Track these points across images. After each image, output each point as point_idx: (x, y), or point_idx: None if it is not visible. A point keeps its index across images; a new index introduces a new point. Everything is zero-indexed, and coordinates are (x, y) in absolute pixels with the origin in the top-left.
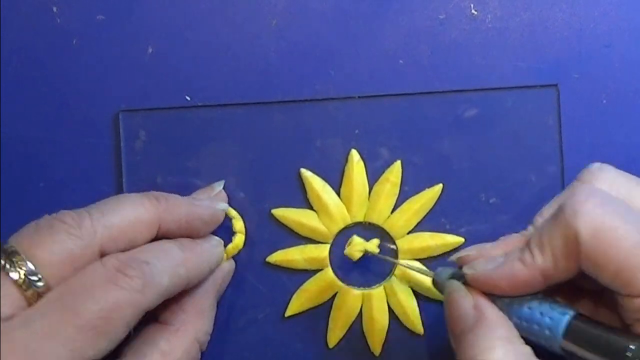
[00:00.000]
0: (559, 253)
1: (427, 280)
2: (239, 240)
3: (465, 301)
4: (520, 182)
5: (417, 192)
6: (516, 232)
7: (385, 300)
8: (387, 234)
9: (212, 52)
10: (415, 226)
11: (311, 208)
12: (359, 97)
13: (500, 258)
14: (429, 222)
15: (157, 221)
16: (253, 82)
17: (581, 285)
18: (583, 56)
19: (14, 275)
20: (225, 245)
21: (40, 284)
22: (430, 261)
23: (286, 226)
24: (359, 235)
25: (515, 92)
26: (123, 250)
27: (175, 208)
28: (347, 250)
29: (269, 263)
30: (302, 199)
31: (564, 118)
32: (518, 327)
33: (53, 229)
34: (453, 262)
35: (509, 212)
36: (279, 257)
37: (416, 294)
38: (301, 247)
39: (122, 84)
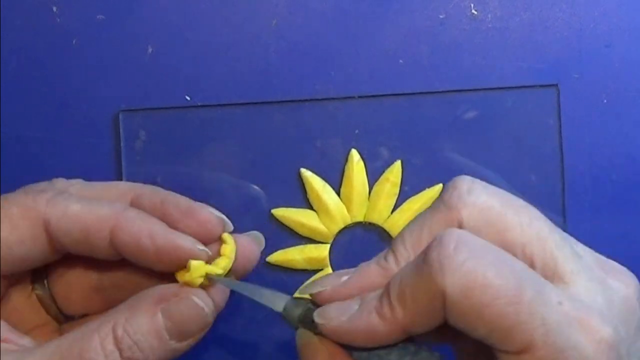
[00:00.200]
0: (422, 309)
1: None
2: (222, 262)
3: (319, 356)
4: (520, 182)
5: (417, 192)
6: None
7: None
8: (387, 234)
9: (212, 52)
10: None
11: (311, 208)
12: (359, 97)
13: (356, 305)
14: None
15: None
16: (253, 82)
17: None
18: (583, 56)
19: None
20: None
21: None
22: None
23: (286, 226)
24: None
25: (515, 92)
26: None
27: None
28: (186, 278)
29: (269, 263)
30: (302, 199)
31: (564, 118)
32: None
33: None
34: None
35: None
36: (279, 257)
37: None
38: (301, 247)
39: (122, 84)
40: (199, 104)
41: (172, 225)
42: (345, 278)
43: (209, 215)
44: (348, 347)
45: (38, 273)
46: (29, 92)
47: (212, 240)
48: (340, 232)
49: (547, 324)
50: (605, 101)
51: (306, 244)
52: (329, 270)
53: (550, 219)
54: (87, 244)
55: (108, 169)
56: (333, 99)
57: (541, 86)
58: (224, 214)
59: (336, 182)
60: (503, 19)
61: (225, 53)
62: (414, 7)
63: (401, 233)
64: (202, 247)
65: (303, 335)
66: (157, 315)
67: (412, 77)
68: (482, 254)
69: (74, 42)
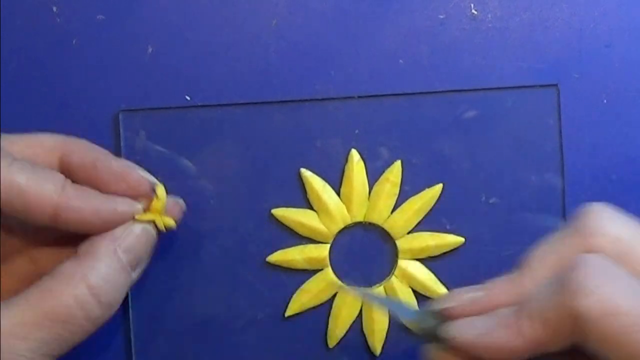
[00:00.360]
0: (558, 330)
1: (427, 280)
2: (152, 214)
3: None
4: (520, 182)
5: (417, 192)
6: (513, 239)
7: None
8: (387, 234)
9: (212, 52)
10: (415, 226)
11: (311, 208)
12: (359, 97)
13: (490, 320)
14: (429, 222)
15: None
16: (253, 82)
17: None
18: (583, 56)
19: None
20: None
21: None
22: (430, 261)
23: (286, 226)
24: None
25: (515, 92)
26: None
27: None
28: None
29: (269, 263)
30: (302, 199)
31: (564, 118)
32: None
33: None
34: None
35: (509, 212)
36: (279, 257)
37: (416, 293)
38: (301, 247)
39: (122, 84)
40: (199, 104)
41: (104, 187)
42: (472, 294)
43: (140, 178)
44: None
45: None
46: (29, 92)
47: (142, 198)
48: (340, 232)
49: None
50: (605, 101)
51: (306, 244)
52: (329, 270)
53: (550, 219)
54: (26, 216)
55: None
56: (333, 99)
57: (541, 86)
58: (223, 213)
59: (336, 182)
60: (503, 19)
61: (225, 53)
62: (414, 7)
63: (532, 253)
64: (138, 205)
65: (435, 349)
66: (117, 252)
67: (412, 77)
68: (621, 281)
69: (74, 42)
